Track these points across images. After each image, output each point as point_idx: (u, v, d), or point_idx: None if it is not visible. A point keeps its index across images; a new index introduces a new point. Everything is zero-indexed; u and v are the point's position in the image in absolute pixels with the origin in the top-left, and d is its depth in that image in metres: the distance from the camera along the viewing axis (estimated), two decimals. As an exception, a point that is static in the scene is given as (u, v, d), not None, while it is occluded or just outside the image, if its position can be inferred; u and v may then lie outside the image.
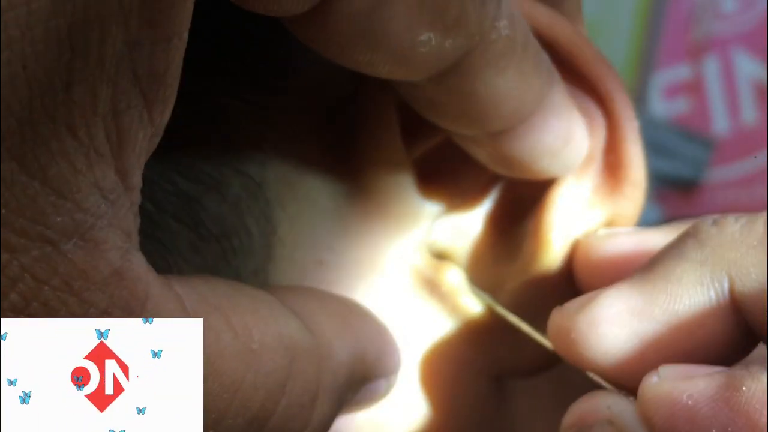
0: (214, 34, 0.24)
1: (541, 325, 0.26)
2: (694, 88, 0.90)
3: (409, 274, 0.27)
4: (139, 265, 0.20)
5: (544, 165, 0.25)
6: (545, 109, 0.24)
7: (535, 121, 0.24)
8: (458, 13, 0.22)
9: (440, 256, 0.27)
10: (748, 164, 0.86)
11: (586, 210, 0.27)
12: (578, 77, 0.26)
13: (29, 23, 0.17)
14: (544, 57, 0.24)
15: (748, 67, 0.88)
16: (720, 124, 0.87)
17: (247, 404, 0.22)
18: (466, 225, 0.28)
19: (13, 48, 0.17)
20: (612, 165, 0.27)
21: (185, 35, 0.19)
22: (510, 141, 0.24)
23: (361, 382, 0.25)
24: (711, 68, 0.90)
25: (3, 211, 0.18)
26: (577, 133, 0.25)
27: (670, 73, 0.91)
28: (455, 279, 0.27)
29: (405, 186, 0.26)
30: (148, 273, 0.20)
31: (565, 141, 0.25)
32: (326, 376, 0.24)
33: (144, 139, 0.20)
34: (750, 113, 0.87)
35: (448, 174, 0.27)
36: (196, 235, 0.25)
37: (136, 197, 0.20)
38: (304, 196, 0.26)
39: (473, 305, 0.27)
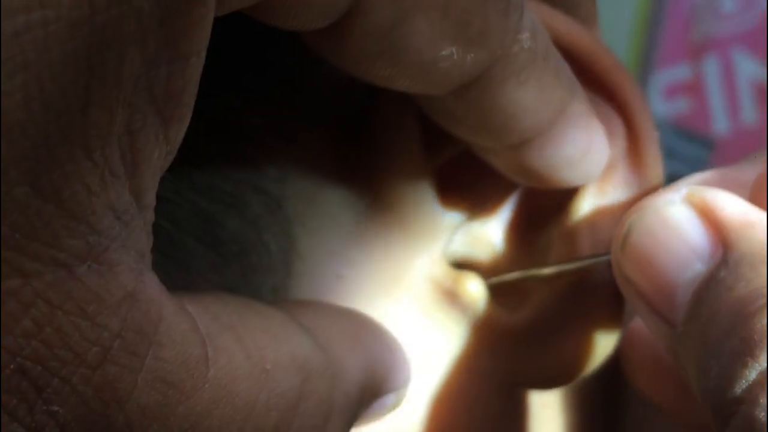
0: (229, 50, 0.24)
1: (570, 334, 0.26)
2: (694, 88, 0.90)
3: (428, 285, 0.27)
4: (152, 286, 0.20)
5: (564, 175, 0.25)
6: (565, 119, 0.24)
7: (555, 132, 0.24)
8: (481, 27, 0.21)
9: (460, 266, 0.27)
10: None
11: (612, 220, 0.27)
12: (596, 85, 0.26)
13: (47, 45, 0.16)
14: (565, 67, 0.24)
15: (748, 67, 0.87)
16: (720, 124, 0.87)
17: (260, 427, 0.22)
18: (486, 235, 0.27)
19: (29, 70, 0.16)
20: (635, 177, 0.26)
21: (203, 54, 0.19)
22: (530, 152, 0.24)
23: (371, 398, 0.25)
24: (711, 68, 0.90)
25: (16, 235, 0.17)
26: (598, 142, 0.25)
27: (670, 73, 0.90)
28: (476, 289, 0.26)
29: (425, 198, 0.26)
30: (161, 294, 0.20)
31: (586, 151, 0.25)
32: (338, 394, 0.23)
33: (159, 158, 0.19)
34: (750, 113, 0.87)
35: (466, 184, 0.27)
36: (215, 253, 0.24)
37: (150, 216, 0.20)
38: (324, 211, 0.25)
39: (494, 315, 0.27)
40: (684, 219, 0.23)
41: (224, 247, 0.25)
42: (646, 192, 0.26)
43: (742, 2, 0.89)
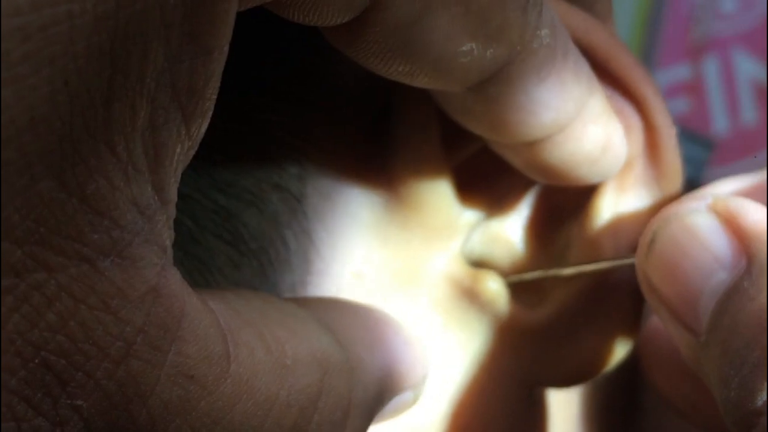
0: (250, 47, 0.24)
1: (589, 333, 0.26)
2: (694, 88, 0.90)
3: (447, 283, 0.27)
4: (174, 281, 0.20)
5: (582, 172, 0.25)
6: (584, 116, 0.24)
7: (574, 129, 0.24)
8: (500, 23, 0.21)
9: (478, 265, 0.27)
10: (748, 164, 0.86)
11: (631, 218, 0.27)
12: (613, 81, 0.26)
13: (72, 39, 0.16)
14: (584, 64, 0.24)
15: (748, 67, 0.87)
16: (720, 124, 0.87)
17: (281, 422, 0.22)
18: (504, 233, 0.28)
19: (55, 64, 0.16)
20: (653, 173, 0.27)
21: (226, 48, 0.19)
22: (548, 149, 0.24)
23: (389, 394, 0.25)
24: (711, 68, 0.90)
25: (41, 229, 0.17)
26: (616, 139, 0.25)
27: (670, 73, 0.90)
28: (495, 287, 0.27)
29: (444, 196, 0.26)
30: (184, 289, 0.20)
31: (604, 148, 0.25)
32: (357, 390, 0.23)
33: (181, 153, 0.19)
34: (750, 113, 0.87)
35: (485, 182, 0.27)
36: (235, 251, 0.24)
37: (172, 211, 0.20)
38: (343, 209, 0.26)
39: (513, 313, 0.27)
40: (708, 228, 0.23)
41: (244, 244, 0.25)
42: (668, 191, 0.27)
43: (742, 2, 0.89)
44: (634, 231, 0.27)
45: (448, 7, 0.21)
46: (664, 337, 0.28)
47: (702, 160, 0.87)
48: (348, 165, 0.26)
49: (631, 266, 0.25)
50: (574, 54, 0.24)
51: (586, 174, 0.25)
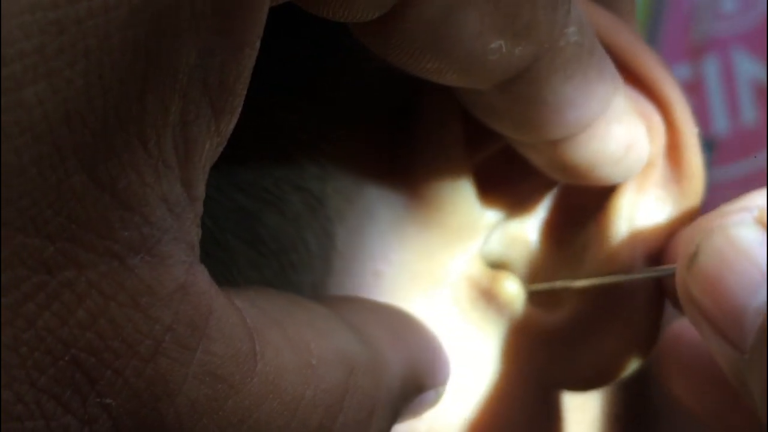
0: (270, 47, 0.23)
1: (607, 336, 0.26)
2: (694, 88, 0.90)
3: (465, 284, 0.27)
4: (202, 279, 0.20)
5: (605, 172, 0.25)
6: (608, 115, 0.24)
7: (598, 128, 0.24)
8: (529, 20, 0.21)
9: (496, 266, 0.27)
10: (748, 164, 0.86)
11: (650, 219, 0.26)
12: (636, 80, 0.26)
13: (107, 32, 0.16)
14: (609, 62, 0.24)
15: (748, 67, 0.87)
16: (720, 124, 0.87)
17: (306, 422, 0.21)
18: (523, 234, 0.27)
19: (90, 57, 0.16)
20: (674, 173, 0.26)
21: (257, 44, 0.19)
22: (572, 148, 0.24)
23: (413, 393, 0.25)
24: (711, 68, 0.90)
25: (73, 225, 0.17)
26: (639, 139, 0.25)
27: (670, 73, 0.90)
28: (513, 289, 0.26)
29: (465, 196, 0.26)
30: (211, 287, 0.20)
31: (627, 148, 0.25)
32: (382, 390, 0.23)
33: (210, 149, 0.19)
34: (750, 113, 0.87)
35: (505, 182, 0.27)
36: (255, 251, 0.24)
37: (199, 209, 0.20)
38: (364, 209, 0.25)
39: (531, 315, 0.27)
40: (755, 241, 0.23)
41: (264, 245, 0.24)
42: (689, 192, 0.26)
43: (742, 2, 0.89)
44: (652, 233, 0.27)
45: (478, 3, 0.21)
46: (687, 345, 0.28)
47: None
48: (369, 165, 0.26)
49: (658, 278, 0.25)
50: (600, 52, 0.24)
51: (609, 173, 0.25)
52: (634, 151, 0.25)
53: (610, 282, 0.26)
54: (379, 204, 0.26)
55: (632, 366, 0.27)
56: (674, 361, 0.28)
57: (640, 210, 0.27)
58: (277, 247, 0.25)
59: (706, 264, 0.23)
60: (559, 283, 0.27)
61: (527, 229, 0.28)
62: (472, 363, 0.27)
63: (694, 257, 0.23)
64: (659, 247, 0.26)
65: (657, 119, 0.26)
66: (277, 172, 0.25)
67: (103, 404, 0.18)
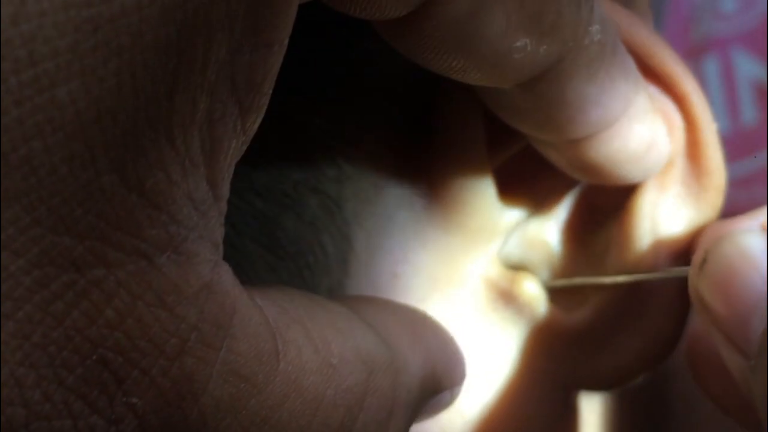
0: (288, 50, 0.23)
1: (628, 337, 0.25)
2: (694, 88, 0.90)
3: (484, 285, 0.26)
4: (226, 277, 0.20)
5: (626, 171, 0.25)
6: (630, 114, 0.24)
7: (620, 126, 0.24)
8: (554, 19, 0.21)
9: (515, 268, 0.27)
10: (748, 164, 0.86)
11: (672, 218, 0.26)
12: (655, 78, 0.26)
13: (140, 30, 0.16)
14: (630, 61, 0.24)
15: (748, 67, 0.87)
16: (720, 124, 0.87)
17: (328, 421, 0.21)
18: (542, 236, 0.27)
19: (123, 56, 0.16)
20: (694, 171, 0.26)
21: (286, 42, 0.19)
22: (593, 147, 0.24)
23: (430, 394, 0.25)
24: (711, 68, 0.90)
25: (102, 224, 0.17)
26: (660, 137, 0.25)
27: (670, 73, 0.90)
28: (533, 289, 0.26)
29: (485, 197, 0.26)
30: (235, 286, 0.20)
31: (649, 146, 0.25)
32: (401, 390, 0.23)
33: (235, 147, 0.19)
34: (750, 113, 0.87)
35: (525, 184, 0.27)
36: (272, 255, 0.24)
37: (224, 207, 0.20)
38: (382, 211, 0.25)
39: (551, 315, 0.27)
40: (760, 249, 0.23)
41: (281, 248, 0.24)
42: (709, 188, 0.26)
43: (742, 2, 0.89)
44: (675, 231, 0.27)
45: (503, 2, 0.21)
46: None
47: (701, 159, 0.87)
48: (387, 167, 0.26)
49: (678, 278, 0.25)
50: (622, 50, 0.24)
51: (630, 172, 0.25)
52: (655, 149, 0.25)
53: (628, 281, 0.26)
54: (398, 205, 0.26)
55: (653, 366, 0.27)
56: (704, 360, 0.28)
57: (661, 208, 0.27)
58: (294, 250, 0.25)
59: (714, 270, 0.23)
60: (578, 280, 0.27)
61: (547, 231, 0.27)
62: (491, 364, 0.27)
63: (703, 263, 0.23)
64: (683, 245, 0.26)
65: (676, 116, 0.26)
66: (295, 175, 0.24)
67: (129, 404, 0.18)
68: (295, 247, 0.25)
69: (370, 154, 0.25)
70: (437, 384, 0.25)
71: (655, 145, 0.25)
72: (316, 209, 0.25)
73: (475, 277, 0.26)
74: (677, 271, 0.25)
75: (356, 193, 0.25)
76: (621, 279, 0.26)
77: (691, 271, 0.24)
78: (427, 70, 0.26)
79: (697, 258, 0.24)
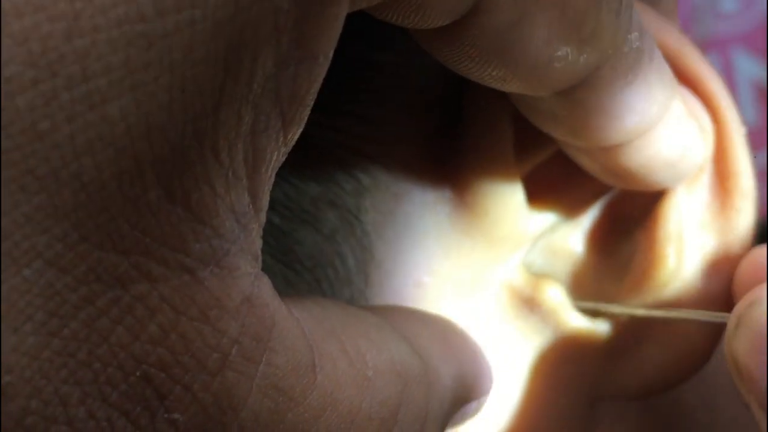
0: None
1: (655, 347, 0.25)
2: (694, 88, 0.90)
3: (509, 293, 0.26)
4: (266, 290, 0.19)
5: (659, 177, 0.25)
6: (666, 120, 0.24)
7: (655, 133, 0.24)
8: (595, 27, 0.21)
9: (539, 275, 0.27)
10: (747, 164, 0.86)
11: (699, 223, 0.26)
12: (684, 80, 0.26)
13: (192, 46, 0.16)
14: (667, 67, 0.24)
15: (748, 67, 0.87)
16: (719, 124, 0.87)
17: None
18: (566, 245, 0.27)
19: (174, 72, 0.16)
20: (722, 175, 0.26)
21: (330, 54, 0.18)
22: (628, 153, 0.24)
23: (459, 405, 0.25)
24: (711, 68, 0.90)
25: (147, 239, 0.17)
26: (694, 142, 0.25)
27: (670, 73, 0.90)
28: (557, 297, 0.26)
29: (513, 205, 0.25)
30: (274, 299, 0.20)
31: (683, 152, 0.24)
32: (434, 402, 0.23)
33: (276, 159, 0.19)
34: (750, 113, 0.87)
35: (552, 191, 0.26)
36: (290, 270, 0.24)
37: (263, 219, 0.19)
38: (403, 221, 0.25)
39: (576, 324, 0.26)
40: None
41: (299, 263, 0.24)
42: (733, 190, 0.26)
43: (742, 2, 0.90)
44: (702, 236, 0.26)
45: (545, 10, 0.20)
46: None
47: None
48: (407, 176, 0.25)
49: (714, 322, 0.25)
50: (659, 57, 0.23)
51: (663, 178, 0.25)
52: (689, 155, 0.25)
53: (662, 316, 0.26)
54: (421, 216, 0.25)
55: (682, 378, 0.27)
56: None
57: (689, 214, 0.26)
58: (312, 264, 0.24)
59: (747, 335, 0.23)
60: (613, 306, 0.26)
61: (571, 240, 0.27)
62: (515, 372, 0.27)
63: (736, 329, 0.23)
64: (709, 251, 0.26)
65: (707, 121, 0.26)
66: (313, 191, 0.24)
67: (171, 420, 0.18)
68: (314, 261, 0.24)
69: (388, 166, 0.25)
70: (467, 394, 0.25)
71: (689, 151, 0.25)
72: (334, 222, 0.24)
73: (499, 284, 0.26)
74: (714, 315, 0.25)
75: (375, 204, 0.25)
76: (656, 313, 0.26)
77: (727, 333, 0.24)
78: (446, 81, 0.25)
79: (731, 323, 0.24)
